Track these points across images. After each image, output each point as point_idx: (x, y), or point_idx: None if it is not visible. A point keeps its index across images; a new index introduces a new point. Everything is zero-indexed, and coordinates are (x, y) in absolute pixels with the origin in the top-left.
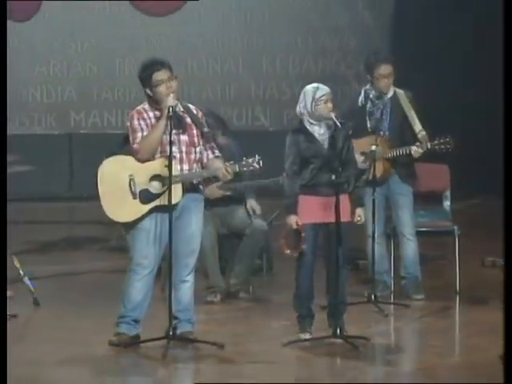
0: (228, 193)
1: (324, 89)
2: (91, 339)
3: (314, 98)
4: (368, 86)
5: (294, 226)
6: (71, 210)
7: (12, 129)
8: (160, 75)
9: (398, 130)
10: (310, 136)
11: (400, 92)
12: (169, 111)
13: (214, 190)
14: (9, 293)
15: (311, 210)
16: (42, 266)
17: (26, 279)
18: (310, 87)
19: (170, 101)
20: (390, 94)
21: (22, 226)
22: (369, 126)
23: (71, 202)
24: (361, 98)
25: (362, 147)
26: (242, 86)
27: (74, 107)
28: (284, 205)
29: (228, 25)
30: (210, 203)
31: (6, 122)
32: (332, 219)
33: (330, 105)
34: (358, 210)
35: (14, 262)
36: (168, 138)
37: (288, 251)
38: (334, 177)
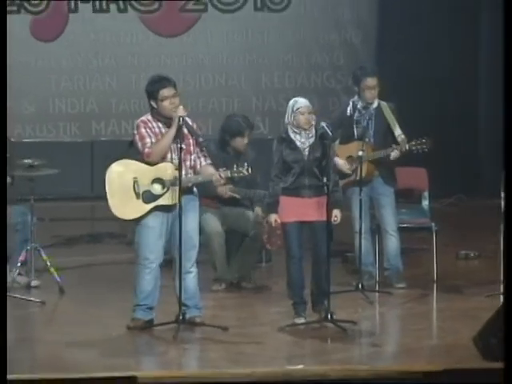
0: (236, 195)
1: (301, 102)
2: (110, 323)
3: (292, 110)
4: (355, 98)
5: (273, 224)
6: (93, 208)
7: (41, 136)
8: (166, 92)
9: (382, 137)
10: (292, 143)
11: (384, 103)
12: (179, 121)
13: (224, 191)
14: (36, 282)
15: (293, 210)
16: (66, 258)
17: (52, 269)
18: (291, 100)
19: (181, 111)
20: (375, 105)
21: (49, 222)
22: (356, 133)
23: (92, 201)
24: (349, 109)
25: (349, 152)
26: (243, 99)
27: (95, 117)
28: (266, 204)
29: (232, 45)
30: (220, 203)
31: (6, 127)
32: (311, 218)
33: (307, 116)
34: (335, 211)
35: (42, 254)
36: (172, 146)
37: (268, 246)
38: (325, 179)
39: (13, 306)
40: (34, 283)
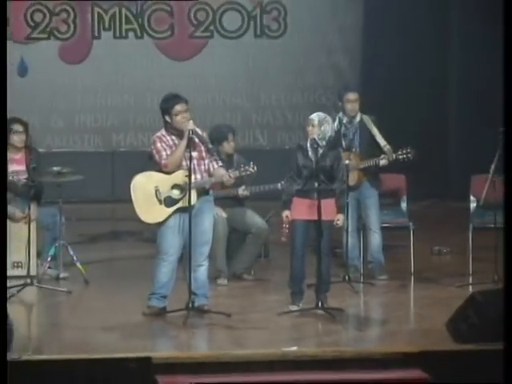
0: (247, 194)
1: (311, 115)
2: (129, 310)
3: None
4: (341, 114)
5: (284, 219)
6: (113, 209)
7: (67, 147)
8: (179, 107)
9: (367, 146)
10: (305, 151)
11: (365, 116)
12: (189, 133)
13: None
14: (64, 274)
15: (302, 209)
16: (90, 253)
17: (78, 264)
18: None
19: (190, 125)
20: (358, 119)
21: (75, 222)
22: (343, 145)
23: (113, 203)
24: (336, 124)
25: None
26: (245, 114)
27: (115, 130)
28: (281, 201)
29: (235, 67)
30: (224, 204)
31: (6, 129)
32: (317, 218)
33: (310, 128)
34: (339, 215)
35: (69, 250)
36: (186, 155)
37: (283, 238)
38: (316, 184)
39: (43, 296)
40: (62, 275)
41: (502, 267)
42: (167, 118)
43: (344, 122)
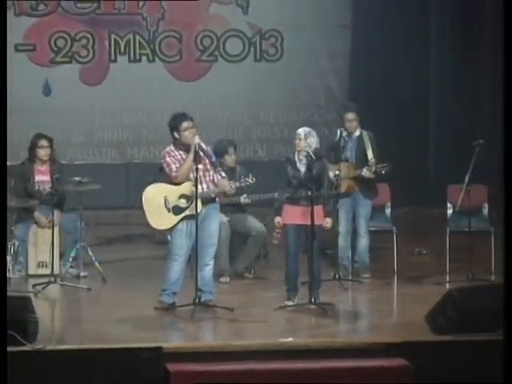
0: (248, 201)
1: (299, 130)
2: (142, 305)
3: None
4: (342, 129)
5: (276, 224)
6: (127, 215)
7: (87, 159)
8: (186, 123)
9: (362, 159)
10: (294, 163)
11: (365, 132)
12: (195, 147)
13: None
14: (84, 273)
15: (293, 215)
16: (107, 254)
17: (96, 263)
18: None
19: (196, 140)
20: (357, 134)
21: (94, 227)
22: (341, 155)
23: (128, 210)
24: (337, 136)
25: (335, 170)
26: (246, 130)
27: (130, 144)
28: (274, 209)
29: (237, 88)
30: (227, 210)
31: (6, 131)
32: (307, 222)
33: (297, 141)
34: (327, 219)
35: (88, 252)
36: (193, 167)
37: (274, 241)
38: (309, 192)
39: (66, 292)
40: (82, 274)
41: (503, 267)
42: (175, 135)
43: (343, 135)
